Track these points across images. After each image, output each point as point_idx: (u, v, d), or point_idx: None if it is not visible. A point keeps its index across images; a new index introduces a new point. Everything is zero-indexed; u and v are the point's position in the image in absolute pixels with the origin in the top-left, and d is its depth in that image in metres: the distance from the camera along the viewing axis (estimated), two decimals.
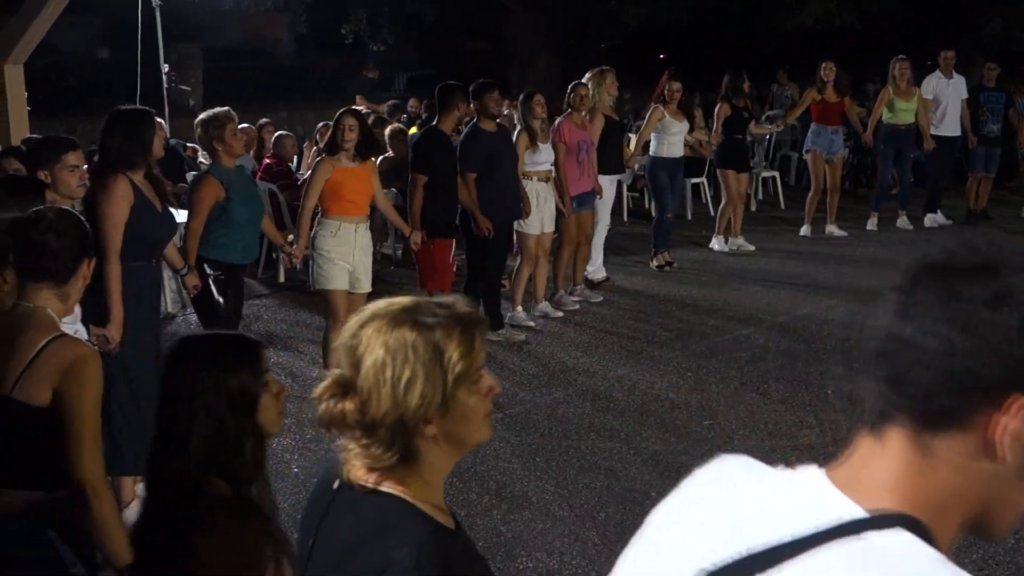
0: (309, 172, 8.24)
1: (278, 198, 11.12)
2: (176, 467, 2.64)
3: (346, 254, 7.56)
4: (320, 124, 13.36)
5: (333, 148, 7.64)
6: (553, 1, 22.72)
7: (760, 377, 8.10)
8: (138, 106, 6.46)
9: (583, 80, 10.27)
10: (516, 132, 9.48)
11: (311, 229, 7.64)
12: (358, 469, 2.12)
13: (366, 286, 7.71)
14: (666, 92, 11.22)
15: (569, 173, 9.84)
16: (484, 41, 28.88)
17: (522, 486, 6.26)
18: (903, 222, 13.69)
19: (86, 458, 3.36)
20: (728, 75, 12.02)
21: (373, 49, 23.90)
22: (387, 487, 2.10)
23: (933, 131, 13.42)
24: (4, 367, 3.37)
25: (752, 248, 12.37)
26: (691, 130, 11.88)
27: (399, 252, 11.85)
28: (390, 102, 15.30)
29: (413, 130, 12.79)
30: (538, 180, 9.47)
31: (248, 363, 2.76)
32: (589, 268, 10.73)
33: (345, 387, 2.10)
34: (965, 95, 13.58)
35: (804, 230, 13.25)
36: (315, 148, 12.58)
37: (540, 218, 9.48)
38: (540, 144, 9.42)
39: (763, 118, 14.92)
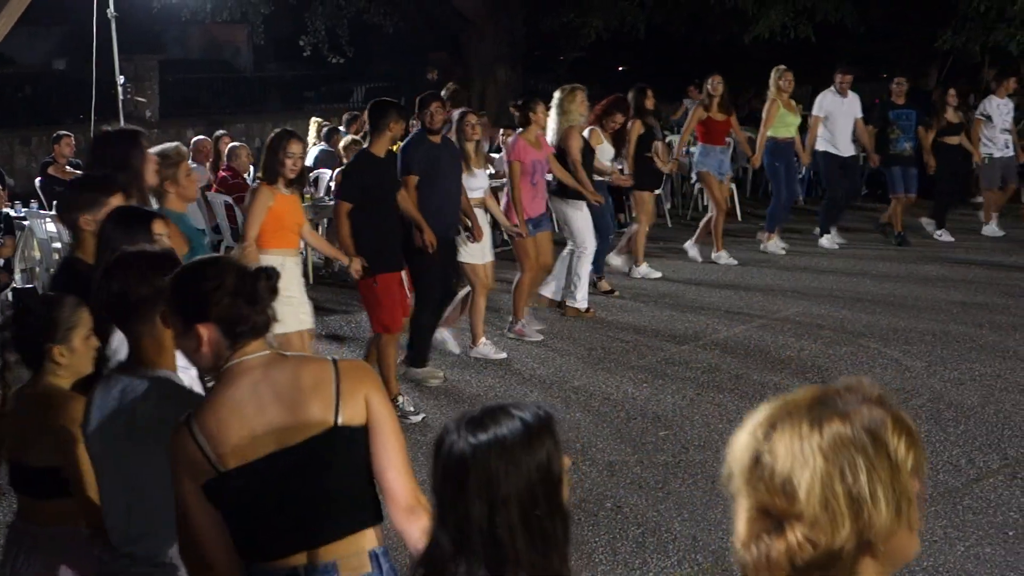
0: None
1: (234, 210, 11.07)
2: None
3: (294, 291, 6.82)
4: None
5: (273, 174, 6.95)
6: (513, 13, 22.76)
7: (716, 388, 8.14)
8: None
9: (555, 99, 9.91)
10: None
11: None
12: None
13: (311, 321, 7.13)
14: (607, 121, 10.69)
15: (523, 194, 9.32)
16: (443, 52, 28.88)
17: None
18: (773, 246, 13.15)
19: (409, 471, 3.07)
20: (633, 91, 11.43)
21: (331, 61, 23.85)
22: None
23: (826, 148, 13.10)
24: (310, 407, 2.92)
25: (658, 274, 11.82)
26: (616, 156, 11.04)
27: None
28: (346, 114, 15.24)
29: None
30: (473, 206, 8.77)
31: None
32: (579, 296, 10.17)
33: (775, 518, 1.68)
34: (859, 114, 13.23)
35: (717, 256, 12.48)
36: None
37: (481, 247, 8.84)
38: (475, 168, 8.86)
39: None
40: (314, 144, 13.52)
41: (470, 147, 8.84)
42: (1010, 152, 13.93)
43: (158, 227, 4.24)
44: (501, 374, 8.61)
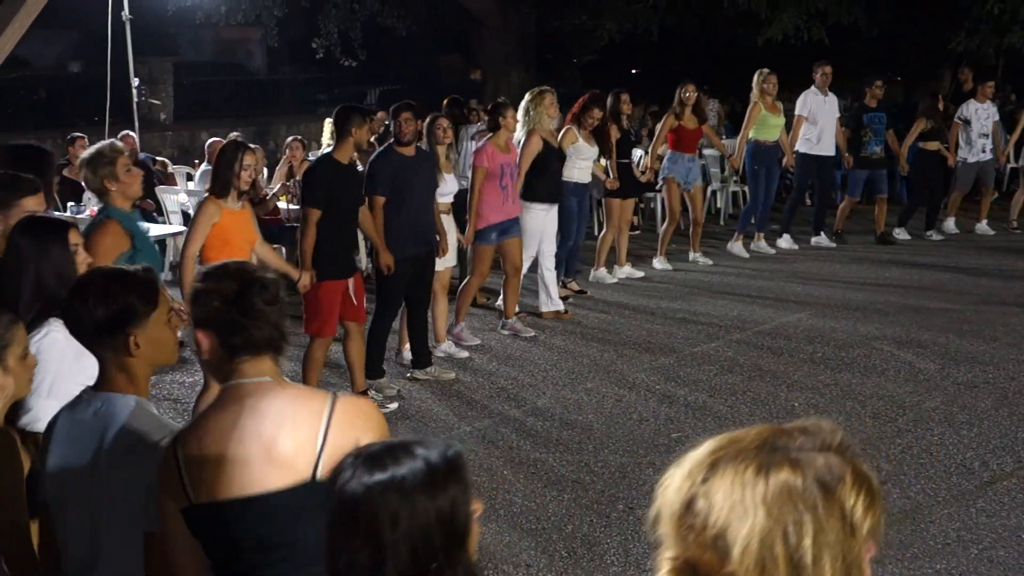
0: (274, 187, 7.55)
1: None
2: None
3: None
4: (290, 139, 13.39)
5: (224, 187, 6.65)
6: (526, 16, 22.80)
7: (728, 390, 8.13)
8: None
9: (524, 102, 9.80)
10: None
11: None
12: None
13: None
14: (585, 118, 10.55)
15: (492, 200, 9.20)
16: (457, 55, 28.92)
17: (489, 499, 6.25)
18: (762, 246, 13.19)
19: None
20: (611, 96, 11.31)
21: (344, 64, 23.90)
22: None
23: (809, 150, 13.13)
24: (290, 453, 2.72)
25: (640, 274, 11.91)
26: (600, 157, 10.97)
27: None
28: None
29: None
30: (440, 212, 8.70)
31: None
32: (544, 298, 10.22)
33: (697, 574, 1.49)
34: (838, 114, 13.29)
35: (658, 263, 12.35)
36: (289, 164, 12.60)
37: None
38: (444, 173, 8.75)
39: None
40: (328, 146, 13.54)
41: (441, 151, 8.74)
42: (987, 156, 14.01)
43: (74, 237, 4.10)
44: (514, 375, 8.62)
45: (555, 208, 10.04)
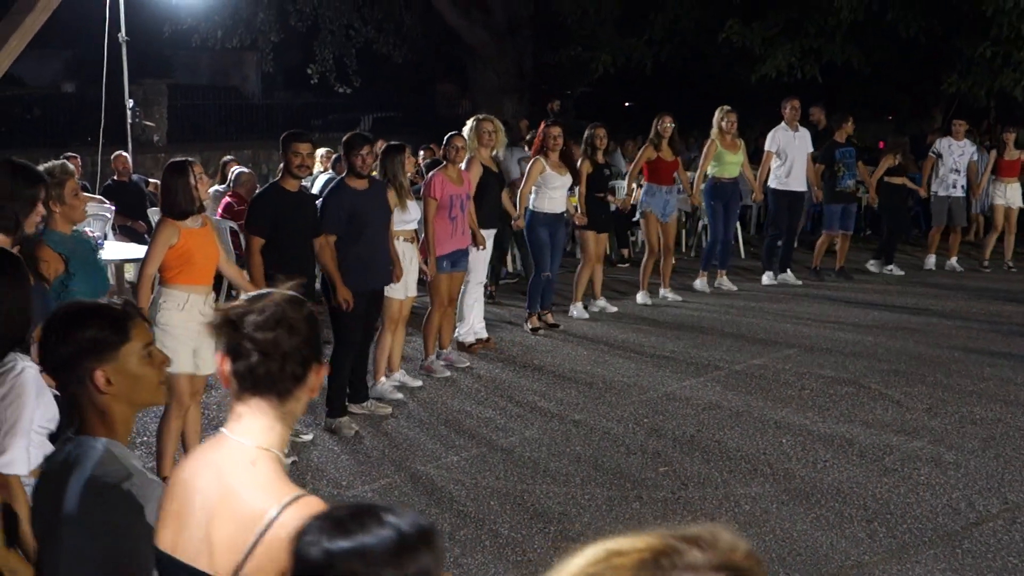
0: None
1: (239, 236, 11.09)
2: None
3: (193, 331, 6.34)
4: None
5: (178, 209, 6.47)
6: (521, 47, 22.89)
7: (716, 426, 8.12)
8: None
9: (465, 130, 9.69)
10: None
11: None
12: None
13: (211, 366, 6.34)
14: (547, 141, 10.48)
15: (441, 231, 9.14)
16: (451, 84, 29.01)
17: (475, 530, 6.24)
18: (725, 283, 13.05)
19: None
20: (588, 129, 11.31)
21: (338, 90, 23.96)
22: None
23: (780, 186, 13.21)
24: (220, 542, 2.48)
25: (614, 309, 11.75)
26: (574, 184, 10.87)
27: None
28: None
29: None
30: (404, 240, 8.64)
31: None
32: (460, 330, 10.08)
33: None
34: (810, 149, 13.32)
35: (640, 297, 12.23)
36: None
37: (404, 282, 8.64)
38: (409, 201, 8.62)
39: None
40: (322, 171, 13.56)
41: (406, 180, 8.65)
42: (959, 193, 14.36)
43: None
44: (502, 406, 8.61)
45: (492, 232, 10.15)
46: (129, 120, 14.14)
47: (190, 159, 6.76)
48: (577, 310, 11.54)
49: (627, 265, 14.55)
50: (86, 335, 2.76)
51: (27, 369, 3.74)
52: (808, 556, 5.92)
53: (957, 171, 14.25)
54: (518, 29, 22.82)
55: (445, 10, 22.29)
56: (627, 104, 27.86)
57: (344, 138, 8.24)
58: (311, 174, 8.65)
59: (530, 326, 10.90)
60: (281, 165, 7.84)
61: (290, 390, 2.54)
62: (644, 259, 12.33)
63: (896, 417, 8.33)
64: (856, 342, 10.53)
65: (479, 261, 9.95)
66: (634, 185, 12.57)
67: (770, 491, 6.84)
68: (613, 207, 12.11)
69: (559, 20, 21.75)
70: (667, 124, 11.88)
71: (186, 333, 6.39)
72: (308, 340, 2.55)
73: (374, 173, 8.44)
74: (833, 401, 8.70)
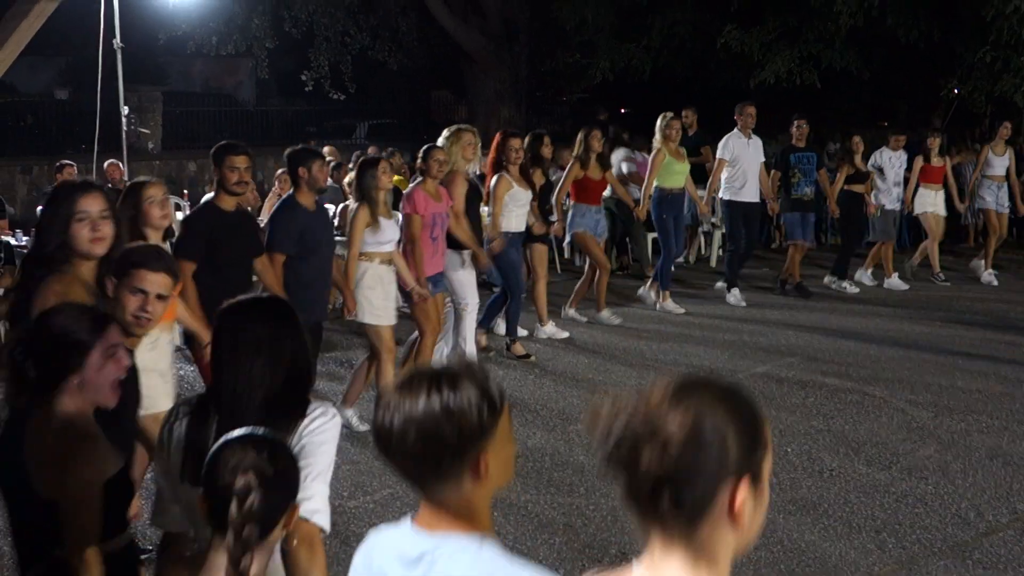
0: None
1: None
2: None
3: (163, 368, 5.81)
4: (280, 171, 13.31)
5: (138, 235, 5.78)
6: (518, 53, 22.86)
7: None
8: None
9: (440, 141, 9.03)
10: (355, 207, 7.96)
11: None
12: None
13: (167, 403, 5.24)
14: (506, 155, 9.80)
15: (424, 250, 8.46)
16: (447, 91, 28.98)
17: None
18: (671, 305, 12.24)
19: None
20: (528, 138, 10.43)
21: (334, 97, 23.90)
22: None
23: (733, 196, 12.47)
24: None
25: (565, 334, 10.83)
26: (535, 198, 10.16)
27: None
28: (357, 152, 15.26)
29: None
30: (380, 263, 7.92)
31: None
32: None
33: None
34: (763, 158, 12.71)
35: (605, 315, 11.49)
36: (278, 196, 12.51)
37: (387, 307, 7.96)
38: (383, 219, 7.91)
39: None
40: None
41: (380, 195, 7.91)
42: (899, 206, 13.87)
43: None
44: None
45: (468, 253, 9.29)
46: (124, 127, 14.07)
47: (148, 179, 6.28)
48: (550, 330, 10.85)
49: (627, 272, 14.49)
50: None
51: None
52: (818, 568, 5.83)
53: (899, 183, 13.67)
54: (515, 35, 22.80)
55: (441, 16, 22.25)
56: (623, 110, 27.82)
57: (288, 152, 7.68)
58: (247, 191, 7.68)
59: (514, 352, 10.16)
60: (215, 180, 7.05)
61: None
62: (597, 276, 11.41)
63: (902, 425, 8.25)
64: (858, 350, 10.45)
65: (468, 285, 9.29)
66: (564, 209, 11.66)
67: (776, 501, 6.75)
68: (550, 235, 11.18)
69: (557, 26, 21.69)
70: (597, 140, 11.05)
71: (154, 370, 5.60)
72: None
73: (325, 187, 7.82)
74: (837, 409, 8.62)
